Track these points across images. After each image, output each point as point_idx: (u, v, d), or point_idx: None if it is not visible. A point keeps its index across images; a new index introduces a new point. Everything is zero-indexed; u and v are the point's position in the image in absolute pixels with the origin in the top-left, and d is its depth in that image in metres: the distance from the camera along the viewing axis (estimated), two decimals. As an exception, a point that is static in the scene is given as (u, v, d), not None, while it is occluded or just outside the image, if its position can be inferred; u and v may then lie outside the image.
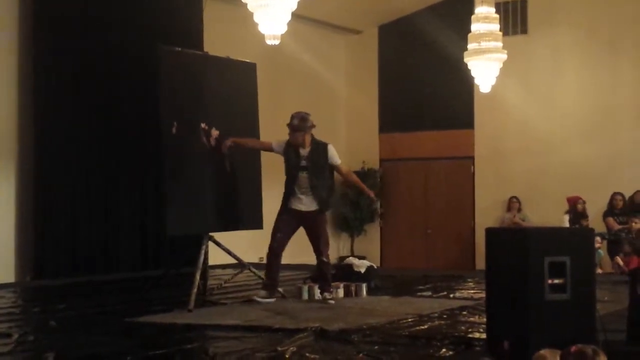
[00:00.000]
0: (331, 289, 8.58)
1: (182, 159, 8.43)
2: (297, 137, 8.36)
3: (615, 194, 13.24)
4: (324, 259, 8.42)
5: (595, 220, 13.29)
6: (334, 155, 8.47)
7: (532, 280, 5.39)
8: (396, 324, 7.03)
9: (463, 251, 15.41)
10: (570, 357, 4.70)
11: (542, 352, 4.89)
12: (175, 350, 6.03)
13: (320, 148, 8.41)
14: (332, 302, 8.38)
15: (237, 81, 9.19)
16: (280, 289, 8.92)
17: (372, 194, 8.93)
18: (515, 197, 14.75)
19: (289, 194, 8.37)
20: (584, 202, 13.53)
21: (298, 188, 8.34)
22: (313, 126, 8.44)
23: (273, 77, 13.41)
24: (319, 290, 8.59)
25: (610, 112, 14.53)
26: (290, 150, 8.40)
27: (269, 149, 8.60)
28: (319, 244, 8.42)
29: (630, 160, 14.18)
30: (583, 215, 13.41)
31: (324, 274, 8.54)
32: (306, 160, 8.35)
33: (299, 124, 8.36)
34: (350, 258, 10.40)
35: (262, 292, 8.42)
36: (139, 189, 11.95)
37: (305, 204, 8.34)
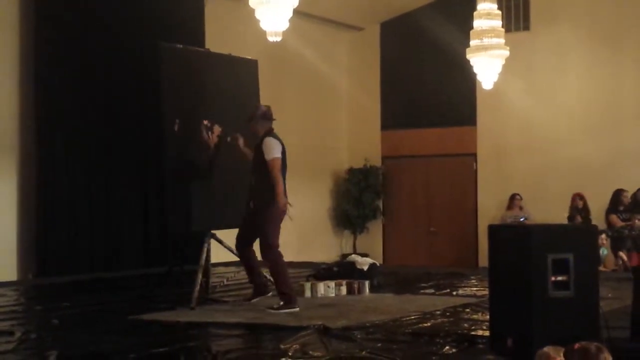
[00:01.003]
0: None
1: (184, 156, 8.42)
2: (250, 129, 8.10)
3: (620, 190, 13.17)
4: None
5: (598, 217, 13.24)
6: (266, 149, 7.77)
7: (535, 277, 5.37)
8: (399, 322, 7.03)
9: (466, 248, 15.39)
10: (573, 354, 4.68)
11: (546, 349, 4.86)
12: (178, 348, 6.03)
13: (260, 142, 7.89)
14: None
15: (239, 78, 9.18)
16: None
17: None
18: (517, 194, 14.67)
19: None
20: (582, 198, 13.48)
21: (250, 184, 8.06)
22: (262, 117, 7.94)
23: (275, 74, 13.39)
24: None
25: (613, 108, 14.50)
26: None
27: None
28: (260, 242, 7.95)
29: (633, 156, 14.15)
30: (580, 210, 13.35)
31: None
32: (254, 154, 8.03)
33: (249, 114, 8.11)
34: (353, 255, 10.39)
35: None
36: (141, 187, 11.94)
37: (251, 200, 8.00)
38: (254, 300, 8.18)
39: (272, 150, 7.77)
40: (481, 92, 14.36)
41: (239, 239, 8.17)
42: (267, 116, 8.01)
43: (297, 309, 7.69)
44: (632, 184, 13.52)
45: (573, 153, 14.55)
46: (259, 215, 7.82)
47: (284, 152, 7.91)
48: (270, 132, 7.95)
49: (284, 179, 7.91)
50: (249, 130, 8.21)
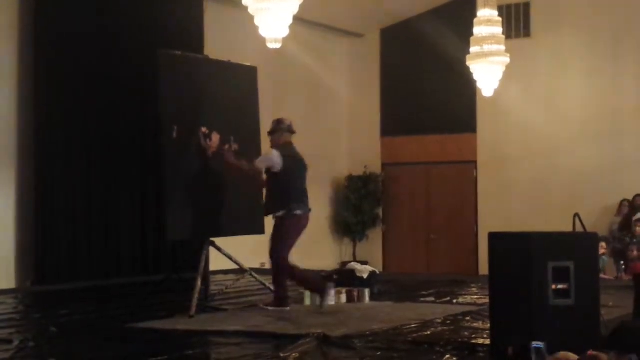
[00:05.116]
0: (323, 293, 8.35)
1: (182, 163, 8.40)
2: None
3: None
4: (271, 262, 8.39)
5: (600, 224, 13.17)
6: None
7: (536, 285, 5.35)
8: (399, 330, 7.00)
9: (466, 256, 15.36)
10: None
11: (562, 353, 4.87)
12: (176, 356, 6.00)
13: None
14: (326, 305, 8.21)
15: (238, 85, 9.16)
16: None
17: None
18: (627, 200, 13.90)
19: None
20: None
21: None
22: (283, 130, 8.43)
23: (274, 80, 13.38)
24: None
25: (614, 115, 14.50)
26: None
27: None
28: None
29: (634, 163, 14.13)
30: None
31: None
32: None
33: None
34: (353, 263, 10.35)
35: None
36: (140, 194, 11.92)
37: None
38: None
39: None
40: (481, 99, 14.36)
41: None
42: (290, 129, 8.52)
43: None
44: (633, 191, 13.50)
45: (573, 160, 14.54)
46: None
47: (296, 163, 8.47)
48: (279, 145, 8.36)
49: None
50: (237, 137, 8.49)
